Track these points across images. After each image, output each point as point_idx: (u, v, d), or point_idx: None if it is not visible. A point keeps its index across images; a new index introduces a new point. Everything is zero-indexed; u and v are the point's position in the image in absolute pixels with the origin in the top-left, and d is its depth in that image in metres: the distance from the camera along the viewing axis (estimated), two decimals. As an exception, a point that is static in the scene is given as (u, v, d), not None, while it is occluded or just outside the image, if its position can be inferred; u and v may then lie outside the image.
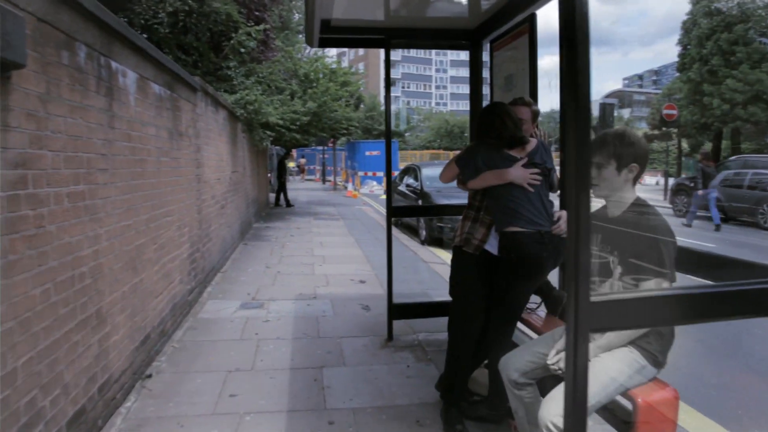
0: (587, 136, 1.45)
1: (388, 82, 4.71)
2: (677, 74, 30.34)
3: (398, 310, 4.83)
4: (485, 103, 4.45)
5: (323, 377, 3.99)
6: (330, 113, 14.51)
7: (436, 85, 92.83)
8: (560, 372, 2.39)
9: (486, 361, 3.62)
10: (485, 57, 4.76)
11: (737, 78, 23.36)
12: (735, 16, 23.67)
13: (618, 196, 2.39)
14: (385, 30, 4.53)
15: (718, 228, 13.43)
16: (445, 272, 7.92)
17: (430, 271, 8.06)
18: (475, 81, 4.88)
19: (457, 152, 3.93)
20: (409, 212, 9.02)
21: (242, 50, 9.07)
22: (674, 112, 21.63)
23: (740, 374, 4.43)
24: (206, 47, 9.14)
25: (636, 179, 2.38)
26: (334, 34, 4.55)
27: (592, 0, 3.63)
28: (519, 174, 3.03)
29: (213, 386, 3.79)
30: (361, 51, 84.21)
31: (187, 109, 5.59)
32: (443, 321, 4.74)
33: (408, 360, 4.36)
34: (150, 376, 3.92)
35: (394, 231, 12.45)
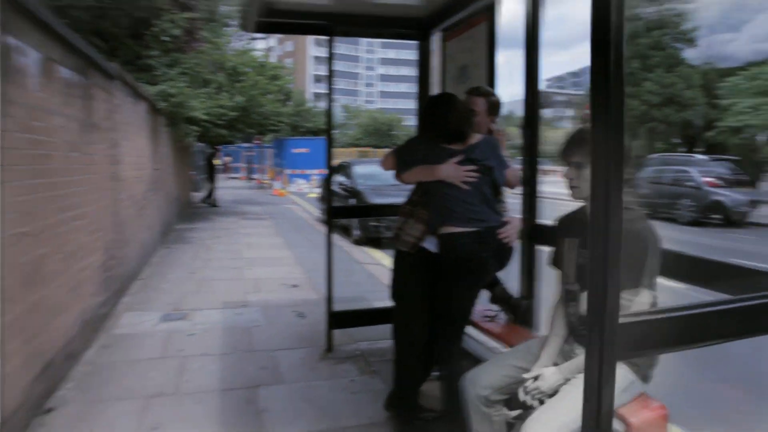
0: (620, 148, 1.22)
1: (331, 73, 4.36)
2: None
3: (338, 319, 4.49)
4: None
5: (259, 398, 3.58)
6: (259, 108, 13.92)
7: (365, 83, 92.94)
8: (535, 402, 2.14)
9: (437, 373, 3.38)
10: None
11: (654, 81, 24.64)
12: (653, 22, 24.89)
13: None
14: (329, 16, 4.18)
15: None
16: (381, 274, 7.71)
17: (365, 272, 7.78)
18: (424, 73, 4.61)
19: (386, 150, 3.69)
20: (350, 213, 8.47)
21: (165, 38, 8.39)
22: (596, 113, 22.34)
23: (704, 380, 4.32)
24: (125, 34, 8.41)
25: None
26: (274, 18, 4.16)
27: (513, 3, 3.46)
28: (451, 171, 2.79)
29: (130, 417, 3.29)
30: (289, 47, 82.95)
31: (102, 99, 5.00)
32: (384, 328, 4.40)
33: (351, 373, 4.03)
34: (50, 410, 3.35)
35: (324, 230, 12.15)
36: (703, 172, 14.86)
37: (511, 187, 3.13)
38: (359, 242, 10.46)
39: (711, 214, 14.50)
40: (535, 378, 2.17)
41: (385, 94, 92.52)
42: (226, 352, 4.41)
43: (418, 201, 3.06)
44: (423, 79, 4.62)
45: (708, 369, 4.38)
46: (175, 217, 11.66)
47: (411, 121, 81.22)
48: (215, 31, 14.03)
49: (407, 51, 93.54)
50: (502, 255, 2.88)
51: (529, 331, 3.24)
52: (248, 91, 13.24)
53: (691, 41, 25.93)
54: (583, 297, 2.19)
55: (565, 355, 2.26)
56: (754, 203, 14.59)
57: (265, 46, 56.66)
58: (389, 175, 3.26)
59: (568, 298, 2.28)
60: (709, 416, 3.59)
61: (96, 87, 4.76)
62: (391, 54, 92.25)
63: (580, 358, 2.12)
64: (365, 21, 4.38)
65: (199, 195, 17.67)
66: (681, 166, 15.77)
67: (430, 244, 3.00)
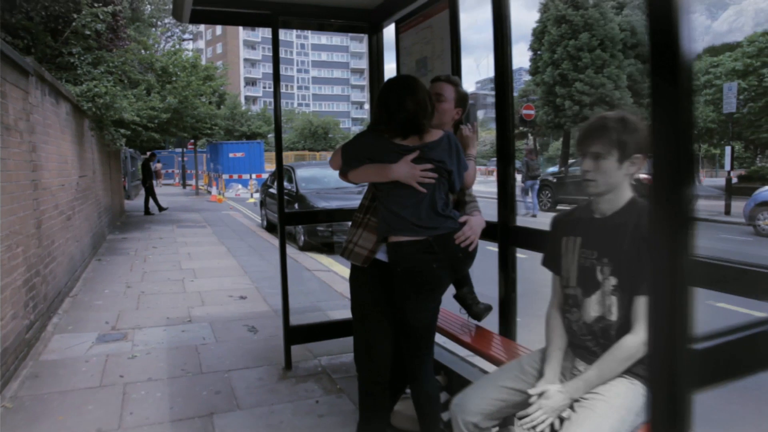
0: (690, 146, 0.95)
1: (277, 68, 3.99)
2: (528, 78, 32.30)
3: (296, 334, 4.14)
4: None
5: (215, 428, 3.19)
6: (192, 110, 13.22)
7: (298, 86, 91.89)
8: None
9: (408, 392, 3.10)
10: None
11: (584, 81, 25.36)
12: (580, 25, 25.66)
13: (613, 193, 1.94)
14: (272, 5, 3.84)
15: (534, 216, 15.10)
16: (332, 281, 7.37)
17: (315, 280, 7.42)
18: (375, 69, 4.34)
19: (324, 153, 3.33)
20: (304, 218, 7.86)
21: (88, 33, 7.71)
22: (532, 112, 22.93)
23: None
24: (41, 29, 7.67)
25: (634, 174, 1.95)
26: (210, 6, 3.78)
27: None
28: (405, 171, 2.41)
29: (65, 462, 2.85)
30: (218, 49, 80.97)
31: (17, 97, 4.43)
32: (345, 341, 4.14)
33: (315, 393, 3.68)
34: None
35: (267, 236, 11.72)
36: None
37: (467, 187, 2.83)
38: (305, 248, 10.10)
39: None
40: (539, 395, 1.91)
41: (318, 97, 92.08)
42: (173, 376, 3.97)
43: (370, 206, 2.70)
44: (374, 77, 4.35)
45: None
46: (106, 227, 10.89)
47: (347, 124, 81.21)
48: (140, 31, 13.30)
49: (339, 53, 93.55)
50: (460, 261, 2.57)
51: (512, 342, 2.99)
52: (180, 92, 12.55)
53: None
54: (587, 303, 1.96)
55: (565, 372, 2.01)
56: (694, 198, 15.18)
57: (193, 46, 55.02)
58: (333, 179, 2.89)
59: (568, 303, 2.04)
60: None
61: (8, 83, 4.20)
62: (324, 56, 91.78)
63: (587, 374, 1.88)
64: (311, 11, 4.06)
65: (131, 203, 16.70)
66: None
67: (384, 254, 2.64)
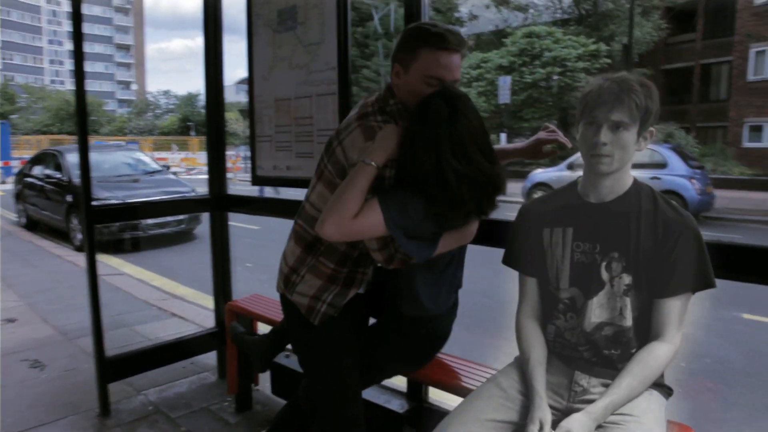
0: None
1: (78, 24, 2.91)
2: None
3: (116, 367, 3.13)
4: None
5: None
6: None
7: (51, 60, 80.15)
8: None
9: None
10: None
11: (371, 68, 26.26)
12: (367, 14, 26.41)
13: (620, 173, 1.54)
14: None
15: None
16: (130, 286, 6.16)
17: (109, 287, 6.10)
18: (213, 27, 3.39)
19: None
20: (122, 215, 5.78)
21: None
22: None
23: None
24: None
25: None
26: None
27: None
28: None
29: None
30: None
31: None
32: (175, 367, 3.47)
33: (154, 445, 2.79)
34: None
35: (29, 237, 9.70)
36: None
37: None
38: (83, 248, 8.51)
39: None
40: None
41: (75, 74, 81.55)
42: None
43: (360, 256, 1.77)
44: (211, 41, 3.38)
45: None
46: None
47: (112, 105, 73.23)
48: None
49: (101, 26, 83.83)
50: None
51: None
52: None
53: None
54: (590, 306, 1.54)
55: (560, 390, 1.59)
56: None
57: None
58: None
59: (559, 309, 1.61)
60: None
61: None
62: (87, 28, 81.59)
63: (614, 392, 1.45)
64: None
65: None
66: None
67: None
